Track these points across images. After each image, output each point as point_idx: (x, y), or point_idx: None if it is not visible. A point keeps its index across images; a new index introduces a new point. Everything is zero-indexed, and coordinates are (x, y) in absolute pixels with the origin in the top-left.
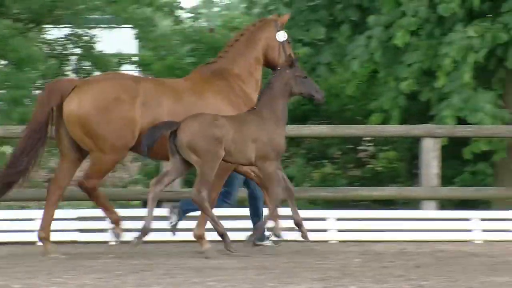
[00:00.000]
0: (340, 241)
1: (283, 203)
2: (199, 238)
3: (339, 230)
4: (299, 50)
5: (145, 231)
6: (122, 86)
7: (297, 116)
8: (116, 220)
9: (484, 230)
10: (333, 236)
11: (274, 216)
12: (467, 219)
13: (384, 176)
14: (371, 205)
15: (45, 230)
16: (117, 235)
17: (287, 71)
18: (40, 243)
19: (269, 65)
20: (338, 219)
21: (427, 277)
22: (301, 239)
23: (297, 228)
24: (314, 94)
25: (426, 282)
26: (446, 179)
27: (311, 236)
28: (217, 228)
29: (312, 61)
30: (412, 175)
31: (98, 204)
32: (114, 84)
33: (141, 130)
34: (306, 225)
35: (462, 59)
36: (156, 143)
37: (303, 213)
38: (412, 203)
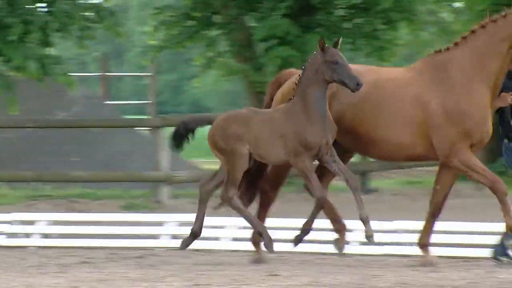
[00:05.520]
0: None
1: None
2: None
3: None
4: None
5: (194, 234)
6: None
7: None
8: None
9: None
10: None
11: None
12: None
13: None
14: None
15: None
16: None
17: (318, 57)
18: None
19: None
20: None
21: None
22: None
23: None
24: (346, 81)
25: None
26: None
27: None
28: (255, 227)
29: None
30: None
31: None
32: None
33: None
34: None
35: None
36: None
37: None
38: None
